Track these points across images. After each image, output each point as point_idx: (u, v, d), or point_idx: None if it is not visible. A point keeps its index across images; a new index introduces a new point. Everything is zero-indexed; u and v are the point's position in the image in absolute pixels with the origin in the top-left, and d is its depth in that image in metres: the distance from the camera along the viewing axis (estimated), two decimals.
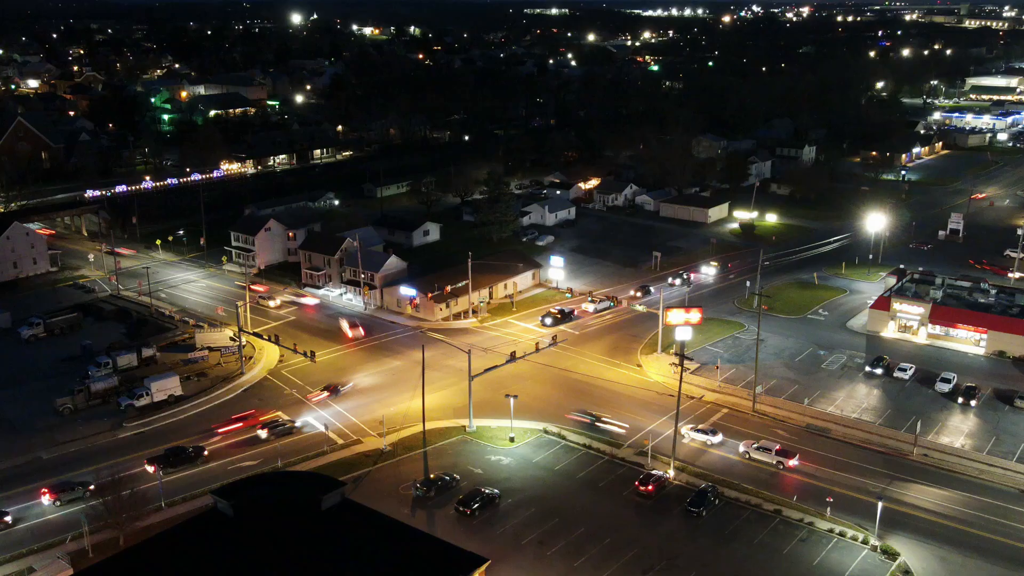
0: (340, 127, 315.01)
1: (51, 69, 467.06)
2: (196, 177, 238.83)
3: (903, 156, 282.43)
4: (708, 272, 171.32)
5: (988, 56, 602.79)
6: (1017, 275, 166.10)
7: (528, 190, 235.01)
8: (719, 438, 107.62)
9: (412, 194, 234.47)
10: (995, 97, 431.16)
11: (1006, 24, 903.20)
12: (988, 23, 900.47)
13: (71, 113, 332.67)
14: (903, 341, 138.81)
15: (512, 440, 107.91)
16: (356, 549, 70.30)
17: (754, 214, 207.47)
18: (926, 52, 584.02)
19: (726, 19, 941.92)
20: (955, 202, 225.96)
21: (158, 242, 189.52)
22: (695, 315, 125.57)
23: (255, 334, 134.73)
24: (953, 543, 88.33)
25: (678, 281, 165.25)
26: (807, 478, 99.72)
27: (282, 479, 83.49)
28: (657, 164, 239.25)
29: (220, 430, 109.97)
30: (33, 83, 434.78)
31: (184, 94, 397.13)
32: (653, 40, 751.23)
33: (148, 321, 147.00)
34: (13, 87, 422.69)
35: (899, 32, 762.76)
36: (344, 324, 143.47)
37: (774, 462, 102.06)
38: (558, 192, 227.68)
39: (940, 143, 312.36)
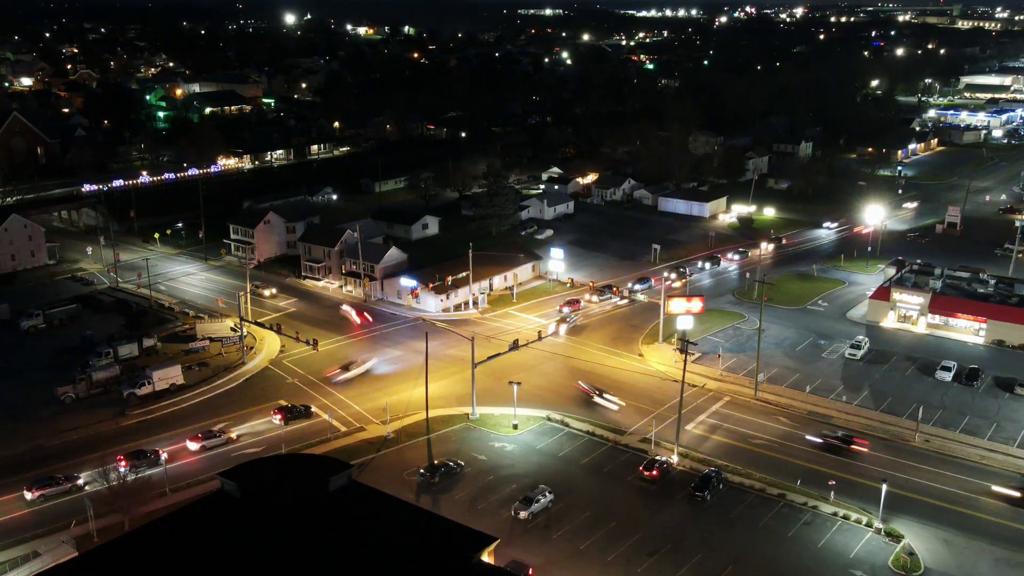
0: (336, 123, 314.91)
1: (45, 67, 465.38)
2: (193, 172, 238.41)
3: (899, 152, 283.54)
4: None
5: (982, 56, 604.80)
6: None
7: (526, 186, 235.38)
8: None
9: (410, 189, 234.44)
10: (990, 95, 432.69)
11: (999, 25, 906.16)
12: (981, 24, 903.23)
13: (66, 111, 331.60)
14: (903, 331, 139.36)
15: (515, 427, 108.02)
16: (364, 529, 70.33)
17: (752, 208, 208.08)
18: (920, 52, 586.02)
19: (720, 20, 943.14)
20: (951, 197, 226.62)
21: (156, 236, 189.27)
22: (696, 304, 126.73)
23: (257, 324, 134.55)
24: (956, 526, 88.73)
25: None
26: (811, 463, 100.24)
27: (289, 462, 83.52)
28: (655, 159, 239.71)
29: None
30: (27, 81, 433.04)
31: (179, 92, 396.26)
32: (648, 40, 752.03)
33: (148, 312, 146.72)
34: (7, 85, 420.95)
35: (892, 32, 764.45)
36: (350, 311, 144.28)
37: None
38: (556, 187, 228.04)
39: (936, 140, 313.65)
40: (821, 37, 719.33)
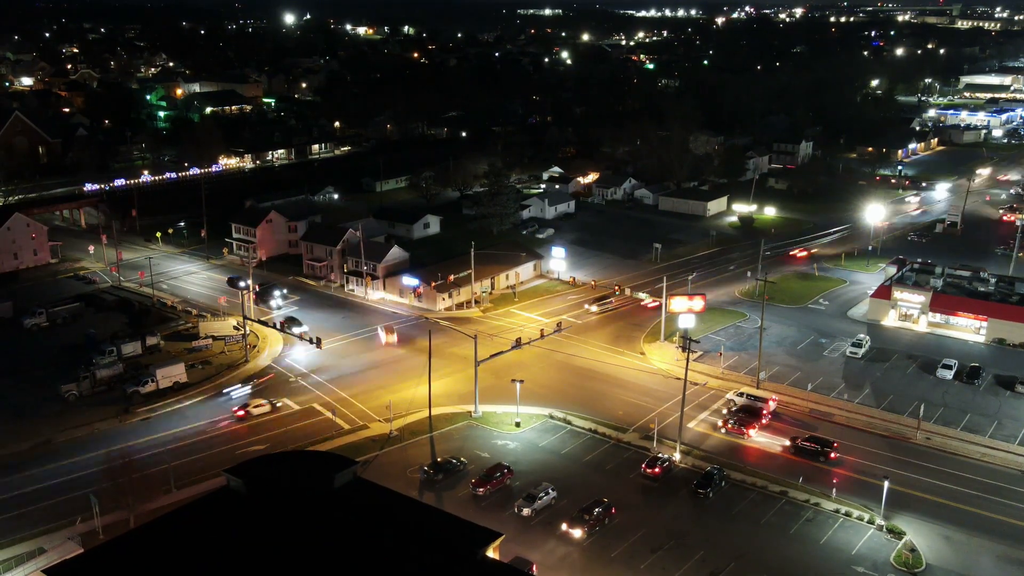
0: (337, 123, 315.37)
1: (45, 67, 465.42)
2: (195, 171, 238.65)
3: (899, 152, 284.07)
4: None
5: (981, 56, 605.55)
6: None
7: (526, 185, 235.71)
8: None
9: (411, 188, 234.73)
10: (990, 95, 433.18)
11: (998, 25, 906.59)
12: (980, 23, 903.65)
13: (66, 110, 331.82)
14: (904, 330, 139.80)
15: (518, 425, 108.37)
16: (369, 525, 70.63)
17: (753, 207, 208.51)
18: (919, 51, 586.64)
19: (720, 20, 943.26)
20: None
21: (158, 235, 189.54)
22: (698, 302, 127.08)
23: (260, 322, 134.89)
24: (958, 523, 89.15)
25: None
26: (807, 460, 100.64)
27: (294, 458, 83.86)
28: (655, 159, 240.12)
29: None
30: (27, 81, 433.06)
31: (179, 91, 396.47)
32: (647, 40, 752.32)
33: (150, 311, 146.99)
34: (7, 84, 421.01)
35: (892, 32, 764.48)
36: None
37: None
38: (556, 186, 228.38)
39: (936, 139, 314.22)
40: (821, 37, 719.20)
